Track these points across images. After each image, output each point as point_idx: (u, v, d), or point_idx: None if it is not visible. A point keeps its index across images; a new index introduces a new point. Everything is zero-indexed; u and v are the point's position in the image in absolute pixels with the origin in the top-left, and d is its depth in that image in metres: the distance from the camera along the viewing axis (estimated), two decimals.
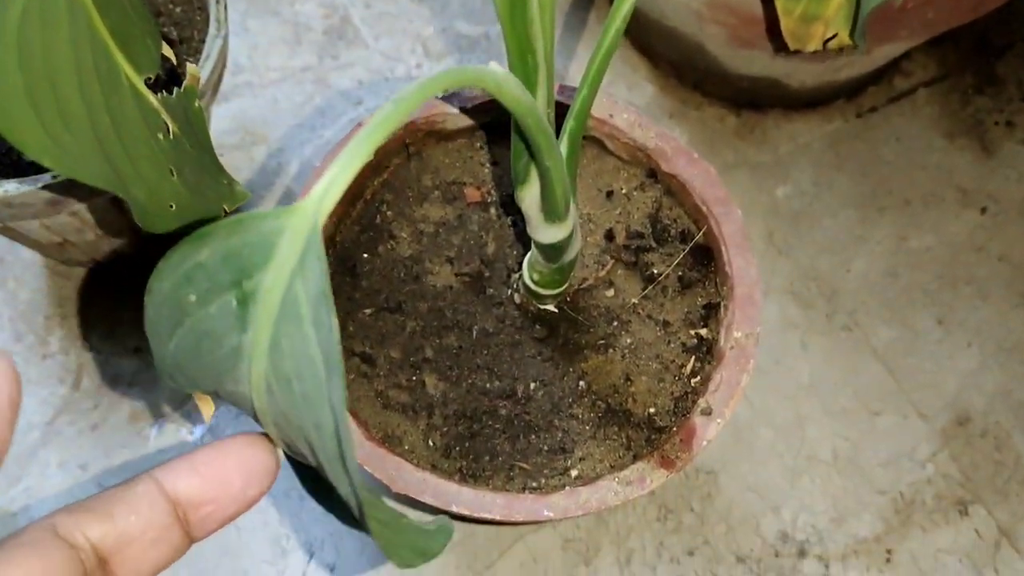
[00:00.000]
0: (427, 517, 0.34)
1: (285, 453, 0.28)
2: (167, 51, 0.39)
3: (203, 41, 0.49)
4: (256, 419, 0.27)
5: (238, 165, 0.64)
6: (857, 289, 0.62)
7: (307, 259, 0.22)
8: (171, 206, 0.33)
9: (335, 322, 0.22)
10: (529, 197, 0.36)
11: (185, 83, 0.35)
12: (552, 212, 0.37)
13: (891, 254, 0.63)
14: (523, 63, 0.29)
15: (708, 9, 0.57)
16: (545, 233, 0.38)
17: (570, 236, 0.39)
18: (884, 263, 0.63)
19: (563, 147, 0.37)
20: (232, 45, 0.67)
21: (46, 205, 0.45)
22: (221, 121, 0.65)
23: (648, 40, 0.66)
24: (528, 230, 0.39)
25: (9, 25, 0.23)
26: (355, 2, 0.70)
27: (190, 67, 0.35)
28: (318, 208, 0.23)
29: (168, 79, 0.48)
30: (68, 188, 0.44)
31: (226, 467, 0.26)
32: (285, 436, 0.26)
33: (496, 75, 0.26)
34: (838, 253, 0.63)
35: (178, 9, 0.52)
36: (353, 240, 0.47)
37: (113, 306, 0.59)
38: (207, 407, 0.33)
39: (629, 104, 0.47)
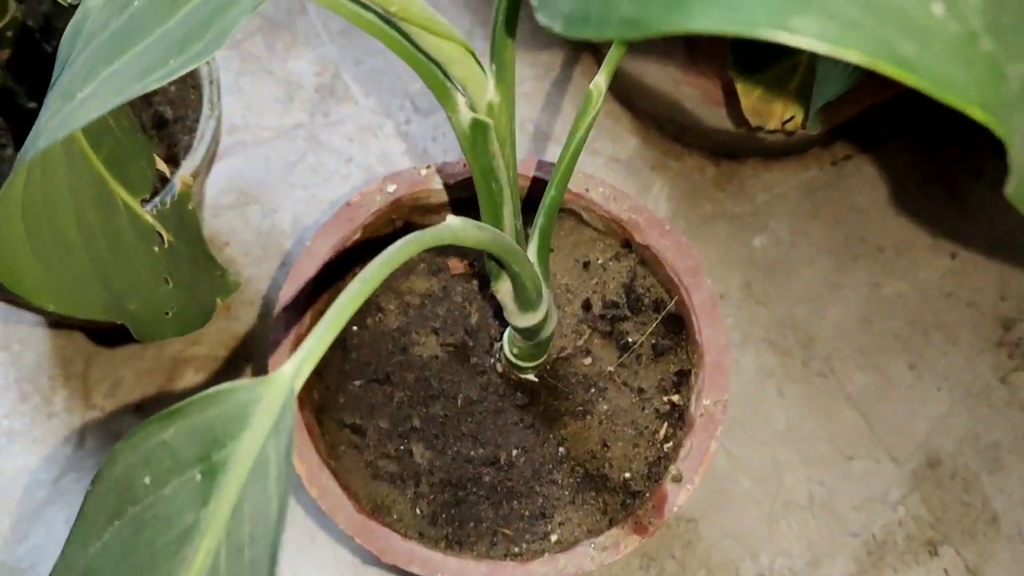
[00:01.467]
0: None
1: None
2: (160, 165, 0.41)
3: (197, 120, 0.52)
4: None
5: (233, 225, 0.66)
6: (832, 336, 0.64)
7: (281, 422, 0.24)
8: (167, 312, 0.35)
9: (292, 468, 0.23)
10: (503, 290, 0.39)
11: (179, 191, 0.37)
12: (525, 303, 0.39)
13: (865, 301, 0.65)
14: (488, 187, 0.31)
15: (682, 74, 0.59)
16: (520, 319, 0.41)
17: (545, 318, 0.42)
18: (858, 310, 0.65)
19: (533, 244, 0.39)
20: (226, 104, 0.69)
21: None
22: (216, 182, 0.67)
23: (630, 96, 0.68)
24: (506, 315, 0.41)
25: (16, 185, 0.25)
26: (346, 59, 0.72)
27: (182, 176, 0.38)
28: (294, 378, 0.24)
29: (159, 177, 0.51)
30: None
31: None
32: None
33: (453, 228, 0.28)
34: (814, 301, 0.65)
35: (172, 88, 0.54)
36: None
37: (114, 366, 0.62)
38: None
39: (603, 179, 0.49)
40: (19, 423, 0.60)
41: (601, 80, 0.33)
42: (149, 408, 0.61)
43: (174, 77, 0.21)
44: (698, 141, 0.69)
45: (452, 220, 0.28)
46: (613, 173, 0.68)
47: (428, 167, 0.51)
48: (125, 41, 0.22)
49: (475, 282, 0.51)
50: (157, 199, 0.37)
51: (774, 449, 0.61)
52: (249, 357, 0.63)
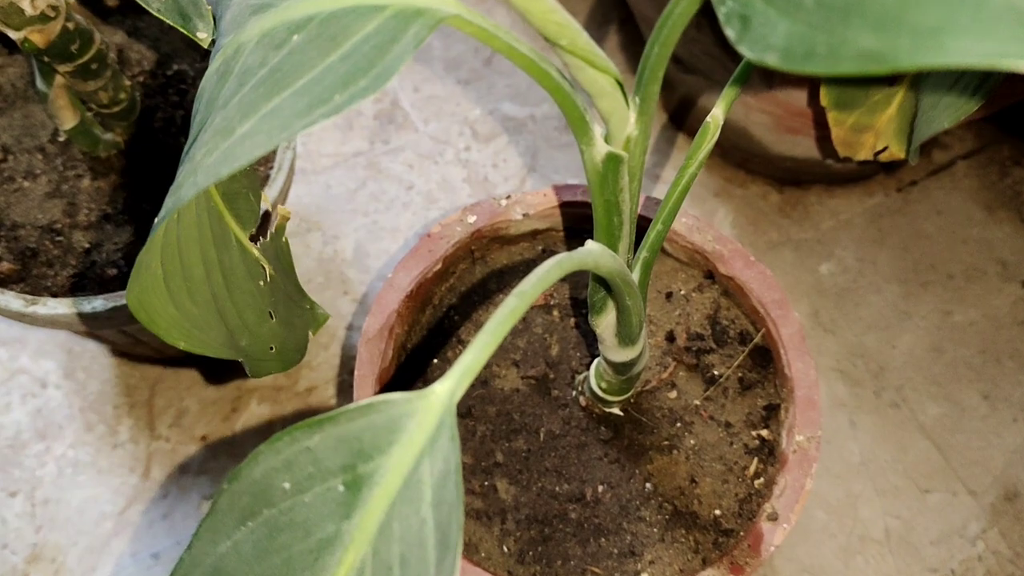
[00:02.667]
0: None
1: None
2: (265, 200, 0.41)
3: (274, 151, 0.51)
4: None
5: (295, 253, 0.66)
6: (903, 365, 0.63)
7: (437, 441, 0.23)
8: (271, 348, 0.35)
9: (461, 501, 0.23)
10: (604, 324, 0.38)
11: (276, 223, 0.37)
12: (627, 337, 0.38)
13: (936, 329, 0.64)
14: (609, 221, 0.31)
15: (755, 100, 0.58)
16: (618, 354, 0.40)
17: (640, 353, 0.41)
18: (929, 338, 0.64)
19: (636, 273, 0.38)
20: None
21: (129, 317, 0.47)
22: None
23: (693, 123, 0.68)
24: (600, 349, 0.41)
25: (156, 235, 0.25)
26: (404, 86, 0.72)
27: (281, 209, 0.37)
28: (452, 395, 0.24)
29: None
30: None
31: None
32: None
33: (594, 254, 0.28)
34: (884, 330, 0.64)
35: None
36: (423, 346, 0.49)
37: (179, 394, 0.61)
38: None
39: (686, 210, 0.49)
40: (84, 453, 0.59)
41: (719, 113, 0.33)
42: (214, 438, 0.60)
43: (339, 113, 0.21)
44: (761, 168, 0.68)
45: (592, 245, 0.27)
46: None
47: (508, 197, 0.50)
48: (285, 78, 0.22)
49: (555, 313, 0.50)
50: (260, 239, 0.36)
51: (848, 482, 0.60)
52: (312, 386, 0.62)
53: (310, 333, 0.39)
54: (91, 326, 0.48)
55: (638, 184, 0.30)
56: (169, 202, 0.22)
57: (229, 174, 0.21)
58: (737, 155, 0.67)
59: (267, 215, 0.39)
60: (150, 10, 0.30)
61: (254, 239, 0.35)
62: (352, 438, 0.24)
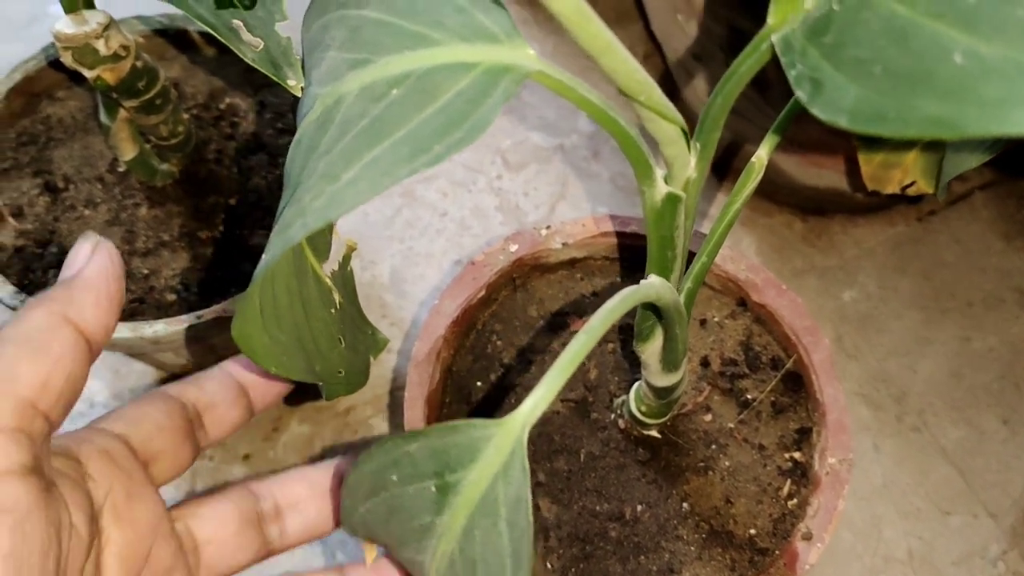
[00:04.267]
0: None
1: None
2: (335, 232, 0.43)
3: None
4: None
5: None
6: (925, 390, 0.65)
7: (511, 467, 0.26)
8: (340, 372, 0.37)
9: (531, 527, 0.26)
10: (650, 350, 0.40)
11: (344, 253, 0.39)
12: (671, 364, 0.40)
13: (955, 355, 0.66)
14: (663, 256, 0.33)
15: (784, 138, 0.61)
16: (661, 379, 0.42)
17: (682, 379, 0.43)
18: (949, 364, 0.66)
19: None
20: None
21: (188, 341, 0.49)
22: None
23: (717, 153, 0.70)
24: (644, 374, 0.43)
25: (257, 272, 0.27)
26: None
27: (348, 240, 0.39)
28: (524, 424, 0.26)
29: None
30: (211, 327, 0.49)
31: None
32: None
33: (656, 288, 0.30)
34: (905, 355, 0.66)
35: None
36: (468, 369, 0.51)
37: None
38: (371, 552, 0.36)
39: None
40: None
41: (763, 153, 0.35)
42: (256, 457, 0.62)
43: (439, 162, 0.23)
44: (787, 198, 0.70)
45: (654, 280, 0.29)
46: (702, 230, 0.70)
47: (548, 227, 0.52)
48: (385, 128, 0.24)
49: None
50: (332, 269, 0.38)
51: (872, 504, 0.62)
52: (351, 407, 0.64)
53: (371, 357, 0.41)
54: (150, 349, 0.50)
55: (691, 221, 0.32)
56: (278, 242, 0.25)
57: (337, 217, 0.23)
58: (763, 185, 0.69)
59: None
60: (245, 59, 0.32)
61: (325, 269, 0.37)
62: (441, 451, 0.27)
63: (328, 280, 0.36)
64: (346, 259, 0.40)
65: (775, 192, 0.69)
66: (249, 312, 0.27)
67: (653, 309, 0.37)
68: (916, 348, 0.66)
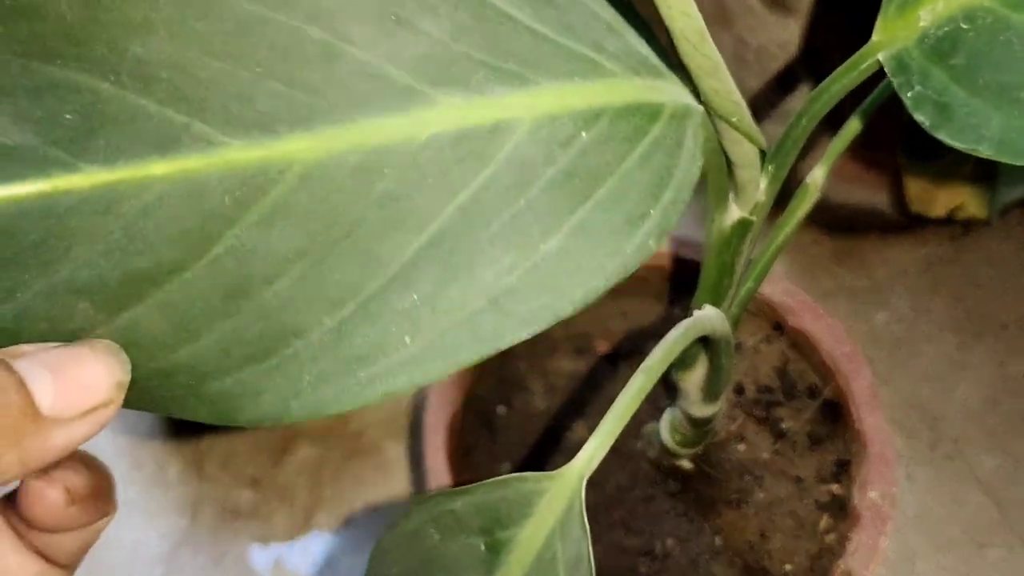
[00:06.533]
0: None
1: None
2: None
3: None
4: None
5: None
6: (959, 417, 0.63)
7: (569, 523, 0.24)
8: None
9: None
10: (692, 379, 0.38)
11: None
12: (712, 394, 0.38)
13: (991, 380, 0.64)
14: (719, 283, 0.31)
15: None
16: (700, 409, 0.39)
17: (720, 409, 0.40)
18: (984, 390, 0.64)
19: None
20: None
21: None
22: None
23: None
24: (682, 404, 0.40)
25: None
26: None
27: None
28: (582, 475, 0.24)
29: None
30: None
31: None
32: None
33: (713, 320, 0.28)
34: (939, 380, 0.64)
35: None
36: (490, 392, 0.48)
37: (228, 436, 0.61)
38: None
39: None
40: (134, 493, 0.59)
41: (819, 174, 0.33)
42: (263, 482, 0.60)
43: (662, 236, 0.19)
44: (815, 215, 0.67)
45: (710, 311, 0.27)
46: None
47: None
48: (584, 185, 0.19)
49: (619, 363, 0.50)
50: None
51: (905, 535, 0.59)
52: (362, 430, 0.62)
53: None
54: None
55: (751, 247, 0.30)
56: (460, 334, 0.19)
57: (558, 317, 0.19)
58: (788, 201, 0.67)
59: None
60: None
61: None
62: (490, 507, 0.25)
63: None
64: None
65: None
66: None
67: (701, 338, 0.35)
68: (950, 373, 0.64)
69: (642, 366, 0.25)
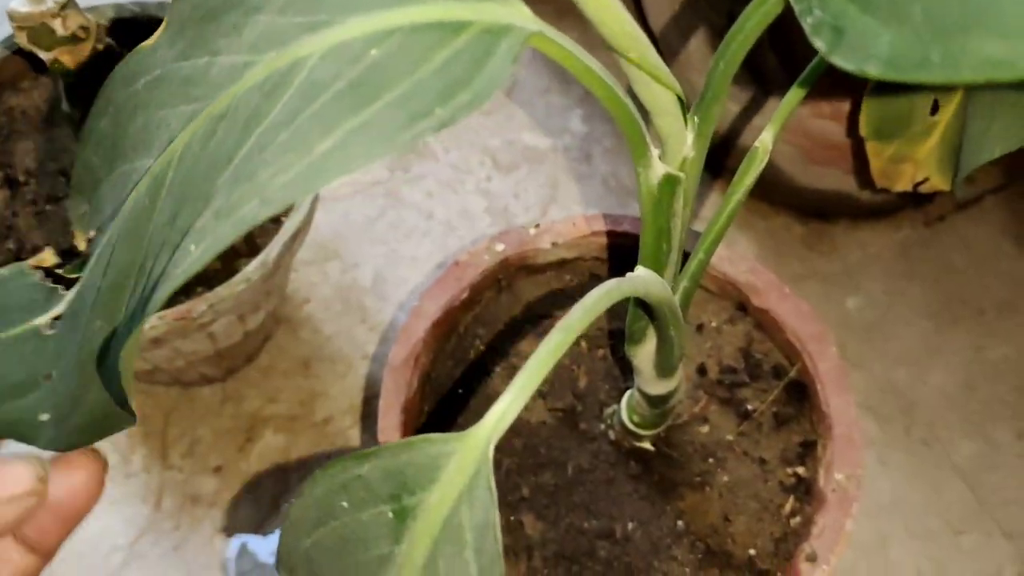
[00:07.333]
0: None
1: None
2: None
3: None
4: None
5: (312, 281, 0.65)
6: (935, 402, 0.62)
7: (476, 487, 0.23)
8: (40, 416, 0.29)
9: (500, 556, 0.23)
10: (642, 354, 0.37)
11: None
12: (665, 369, 0.37)
13: (968, 365, 0.63)
14: (657, 248, 0.30)
15: (781, 131, 0.57)
16: (655, 386, 0.39)
17: (677, 386, 0.40)
18: (961, 375, 0.63)
19: (676, 302, 0.37)
20: None
21: (149, 343, 0.46)
22: None
23: (712, 153, 0.67)
24: (636, 381, 0.39)
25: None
26: None
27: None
28: (489, 438, 0.23)
29: None
30: (172, 331, 0.45)
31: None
32: None
33: (645, 281, 0.27)
34: (914, 365, 0.63)
35: None
36: (448, 375, 0.48)
37: (193, 424, 0.60)
38: None
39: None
40: None
41: (768, 138, 0.32)
42: (228, 469, 0.59)
43: (444, 127, 0.20)
44: (785, 199, 0.67)
45: (642, 272, 0.26)
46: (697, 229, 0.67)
47: (537, 226, 0.49)
48: (370, 92, 0.21)
49: (583, 344, 0.49)
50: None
51: (879, 521, 0.58)
52: (329, 416, 0.61)
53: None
54: None
55: (690, 210, 0.29)
56: (224, 228, 0.21)
57: (313, 191, 0.20)
58: (760, 186, 0.66)
59: None
60: None
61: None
62: (397, 471, 0.24)
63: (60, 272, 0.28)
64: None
65: (773, 193, 0.66)
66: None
67: (645, 308, 0.34)
68: (925, 357, 0.63)
69: (559, 323, 0.24)
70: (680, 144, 0.25)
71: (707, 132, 0.25)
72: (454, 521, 0.23)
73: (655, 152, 0.26)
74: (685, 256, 0.35)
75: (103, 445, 0.59)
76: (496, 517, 0.22)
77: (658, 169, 0.26)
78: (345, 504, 0.25)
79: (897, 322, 0.64)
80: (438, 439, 0.23)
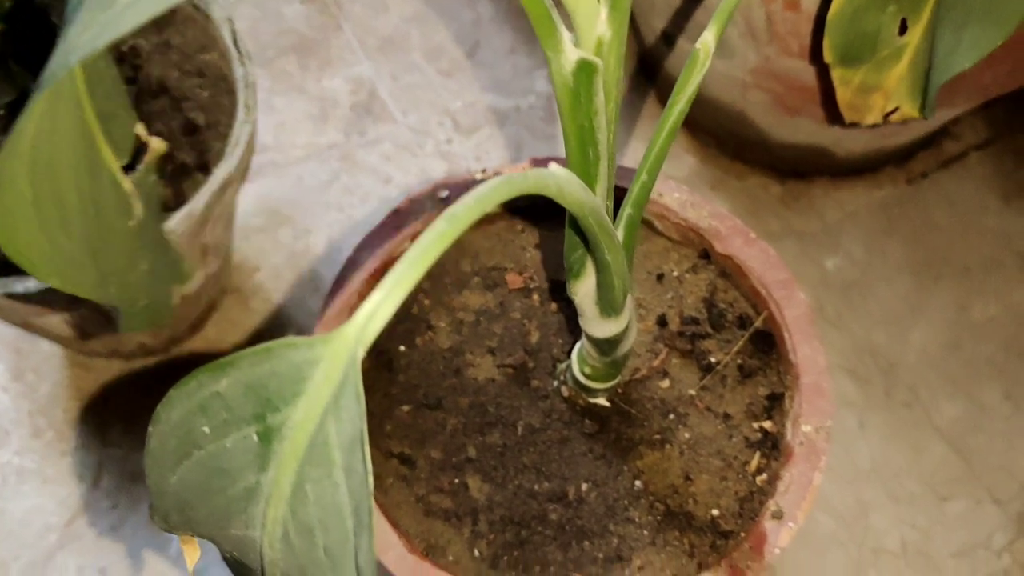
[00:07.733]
0: None
1: None
2: (139, 129, 0.36)
3: (231, 125, 0.47)
4: (262, 572, 0.24)
5: (263, 248, 0.62)
6: (916, 362, 0.59)
7: (343, 397, 0.20)
8: (140, 300, 0.30)
9: (370, 471, 0.19)
10: (583, 290, 0.34)
11: (148, 157, 0.33)
12: (609, 306, 0.34)
13: (952, 324, 0.60)
14: (583, 156, 0.27)
15: (752, 76, 0.54)
16: (600, 327, 0.35)
17: (627, 328, 0.36)
18: (945, 334, 0.60)
19: (619, 234, 0.34)
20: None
21: (68, 301, 0.43)
22: (246, 202, 0.62)
23: (649, 57, 0.64)
24: (581, 323, 0.36)
25: (27, 132, 0.21)
26: (382, 76, 0.68)
27: (155, 141, 0.33)
28: (358, 339, 0.20)
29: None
30: None
31: None
32: None
33: (558, 178, 0.23)
34: (894, 324, 0.60)
35: (205, 93, 0.50)
36: (389, 332, 0.44)
37: (134, 399, 0.57)
38: (192, 553, 0.29)
39: (679, 184, 0.44)
40: (30, 461, 0.55)
41: (710, 38, 0.29)
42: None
43: None
44: (761, 159, 0.64)
45: (556, 168, 0.23)
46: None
47: (484, 171, 0.46)
48: None
49: (535, 297, 0.45)
50: (132, 171, 0.32)
51: (858, 487, 0.55)
52: None
53: (177, 289, 0.35)
54: (27, 313, 0.44)
55: (615, 107, 0.26)
56: (35, 95, 0.18)
57: (111, 42, 0.18)
58: (734, 143, 0.63)
59: (144, 147, 0.34)
60: None
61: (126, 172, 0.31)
62: (259, 385, 0.21)
63: (128, 183, 0.30)
64: (149, 165, 0.33)
65: (747, 150, 0.63)
66: (13, 201, 0.21)
67: (579, 233, 0.31)
68: (907, 317, 0.60)
69: (446, 212, 0.21)
70: (592, 22, 0.22)
71: (622, 8, 0.22)
72: (320, 439, 0.20)
73: (567, 36, 0.23)
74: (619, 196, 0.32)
75: (37, 422, 0.56)
76: (365, 430, 0.19)
77: (571, 55, 0.23)
78: (206, 429, 0.21)
79: (877, 281, 0.61)
80: (302, 343, 0.20)
